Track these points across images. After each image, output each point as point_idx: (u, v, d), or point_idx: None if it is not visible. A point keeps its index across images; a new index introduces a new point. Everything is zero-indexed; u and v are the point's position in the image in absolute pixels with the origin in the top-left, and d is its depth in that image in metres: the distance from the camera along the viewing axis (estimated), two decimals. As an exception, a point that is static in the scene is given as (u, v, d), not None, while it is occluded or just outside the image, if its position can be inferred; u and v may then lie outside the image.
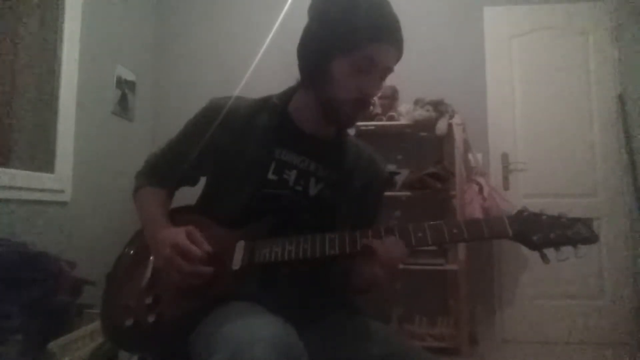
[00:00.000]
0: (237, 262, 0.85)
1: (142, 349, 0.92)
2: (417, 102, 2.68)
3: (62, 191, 2.17)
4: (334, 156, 0.99)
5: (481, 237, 0.79)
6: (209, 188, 1.03)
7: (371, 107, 2.62)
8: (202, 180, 1.07)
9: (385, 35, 0.86)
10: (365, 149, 1.07)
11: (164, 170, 1.05)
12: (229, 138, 0.95)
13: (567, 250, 0.76)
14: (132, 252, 1.03)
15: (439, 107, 2.60)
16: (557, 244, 0.76)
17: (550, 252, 0.77)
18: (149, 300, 0.88)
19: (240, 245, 0.87)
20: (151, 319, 0.86)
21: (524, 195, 2.77)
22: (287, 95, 1.00)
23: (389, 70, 0.90)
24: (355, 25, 0.84)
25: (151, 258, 0.93)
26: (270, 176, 0.93)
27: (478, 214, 2.42)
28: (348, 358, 0.84)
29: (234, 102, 0.98)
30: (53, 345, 1.53)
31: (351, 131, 2.53)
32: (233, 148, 0.94)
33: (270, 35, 2.68)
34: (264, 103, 1.00)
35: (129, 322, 0.88)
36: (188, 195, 1.10)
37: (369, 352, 0.83)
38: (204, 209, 0.99)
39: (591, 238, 0.75)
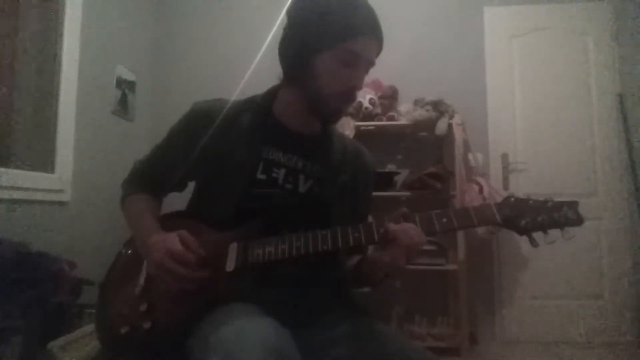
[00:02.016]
0: (231, 263, 0.85)
1: (139, 356, 0.91)
2: (417, 102, 2.68)
3: (62, 191, 2.17)
4: (320, 152, 0.99)
5: (470, 224, 0.79)
6: (199, 192, 1.02)
7: (371, 107, 2.63)
8: (190, 185, 1.06)
9: (369, 29, 0.88)
10: (351, 143, 1.08)
11: (151, 177, 1.05)
12: (215, 141, 0.95)
13: (555, 233, 0.77)
14: (124, 259, 1.02)
15: (439, 107, 2.60)
16: (544, 227, 0.78)
17: (539, 236, 0.78)
18: (143, 307, 0.88)
19: (234, 247, 0.87)
20: (146, 325, 0.86)
21: (524, 195, 2.77)
22: (271, 95, 1.00)
23: (371, 63, 0.91)
24: (339, 20, 0.86)
25: (144, 265, 0.93)
26: (259, 176, 0.94)
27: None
28: (347, 358, 0.83)
29: (217, 105, 0.98)
30: (53, 345, 1.53)
31: (351, 132, 2.54)
32: (220, 151, 0.94)
33: (270, 35, 2.68)
34: (248, 104, 1.00)
35: (124, 330, 0.88)
36: (173, 201, 1.10)
37: (368, 352, 0.83)
38: (194, 213, 0.99)
39: (577, 220, 0.77)
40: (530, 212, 0.79)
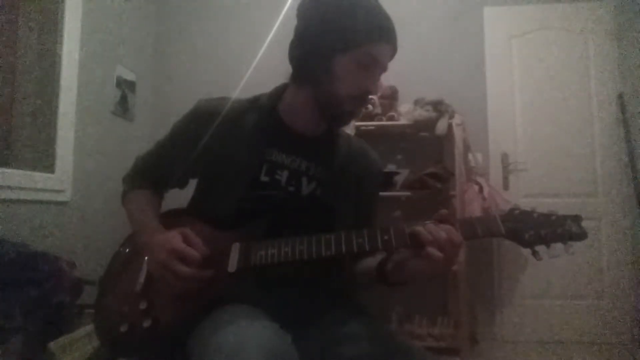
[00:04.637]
0: (232, 264, 0.85)
1: (139, 354, 0.91)
2: (417, 102, 2.68)
3: (62, 191, 2.17)
4: (325, 154, 0.98)
5: (475, 236, 0.79)
6: (200, 191, 1.02)
7: (370, 107, 2.63)
8: (192, 183, 1.06)
9: (386, 35, 0.89)
10: (356, 143, 1.07)
11: (153, 174, 1.05)
12: (219, 140, 0.94)
13: (558, 247, 0.77)
14: (124, 257, 1.02)
15: (439, 107, 2.60)
16: (548, 241, 0.77)
17: (542, 249, 0.78)
18: (143, 306, 0.88)
19: (236, 247, 0.86)
20: (146, 324, 0.86)
21: (524, 195, 2.77)
22: (277, 95, 1.00)
23: (384, 69, 0.92)
24: (359, 24, 0.86)
25: (144, 262, 0.92)
26: (262, 178, 0.93)
27: (478, 214, 2.42)
28: (348, 358, 0.83)
29: (222, 103, 0.98)
30: (53, 345, 1.53)
31: (351, 132, 2.54)
32: (223, 150, 0.94)
33: (270, 35, 2.68)
34: (253, 103, 1.00)
35: (123, 328, 0.88)
36: (172, 198, 1.10)
37: (369, 352, 0.83)
38: (196, 212, 0.99)
39: (580, 235, 0.77)
40: (534, 225, 0.78)
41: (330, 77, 0.88)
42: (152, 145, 1.09)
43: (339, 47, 0.87)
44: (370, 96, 0.93)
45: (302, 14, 0.92)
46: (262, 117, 0.97)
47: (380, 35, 0.88)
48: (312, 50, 0.89)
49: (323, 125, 0.98)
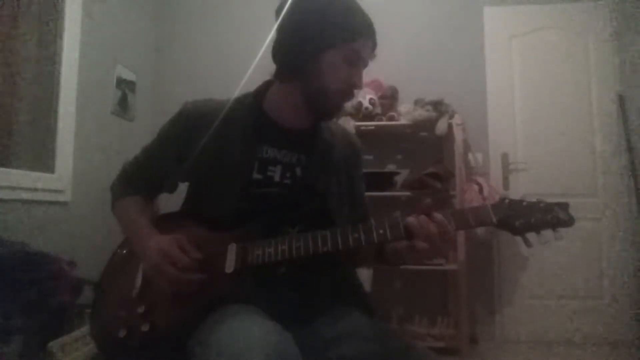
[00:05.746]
0: (230, 265, 0.85)
1: (138, 358, 0.90)
2: (417, 102, 2.68)
3: (62, 191, 2.17)
4: (313, 143, 1.01)
5: (468, 225, 0.81)
6: (193, 193, 1.02)
7: (371, 107, 2.63)
8: (181, 187, 1.06)
9: (370, 32, 0.93)
10: (336, 127, 1.11)
11: (142, 179, 1.05)
12: (208, 142, 0.95)
13: (547, 234, 0.80)
14: (120, 261, 1.02)
15: (439, 107, 2.60)
16: (537, 228, 0.80)
17: (532, 236, 0.81)
18: (141, 309, 0.88)
19: (232, 248, 0.87)
20: (145, 328, 0.85)
21: (524, 195, 2.76)
22: (262, 92, 1.01)
23: (366, 64, 0.96)
24: (346, 21, 0.90)
25: (141, 266, 0.92)
26: (255, 175, 0.94)
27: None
28: (347, 356, 0.83)
29: (208, 105, 0.99)
30: (53, 345, 1.53)
31: (350, 130, 2.53)
32: (214, 151, 0.94)
33: (271, 35, 2.68)
34: (239, 102, 1.00)
35: (122, 333, 0.87)
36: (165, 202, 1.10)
37: (369, 351, 0.83)
38: (190, 214, 0.99)
39: (568, 221, 0.80)
40: (523, 213, 0.81)
41: (319, 73, 0.90)
42: (140, 150, 1.08)
43: (327, 43, 0.89)
44: (355, 90, 0.96)
45: (288, 14, 0.94)
46: (250, 115, 0.98)
47: (363, 32, 0.91)
48: (301, 46, 0.90)
49: (309, 119, 0.99)
